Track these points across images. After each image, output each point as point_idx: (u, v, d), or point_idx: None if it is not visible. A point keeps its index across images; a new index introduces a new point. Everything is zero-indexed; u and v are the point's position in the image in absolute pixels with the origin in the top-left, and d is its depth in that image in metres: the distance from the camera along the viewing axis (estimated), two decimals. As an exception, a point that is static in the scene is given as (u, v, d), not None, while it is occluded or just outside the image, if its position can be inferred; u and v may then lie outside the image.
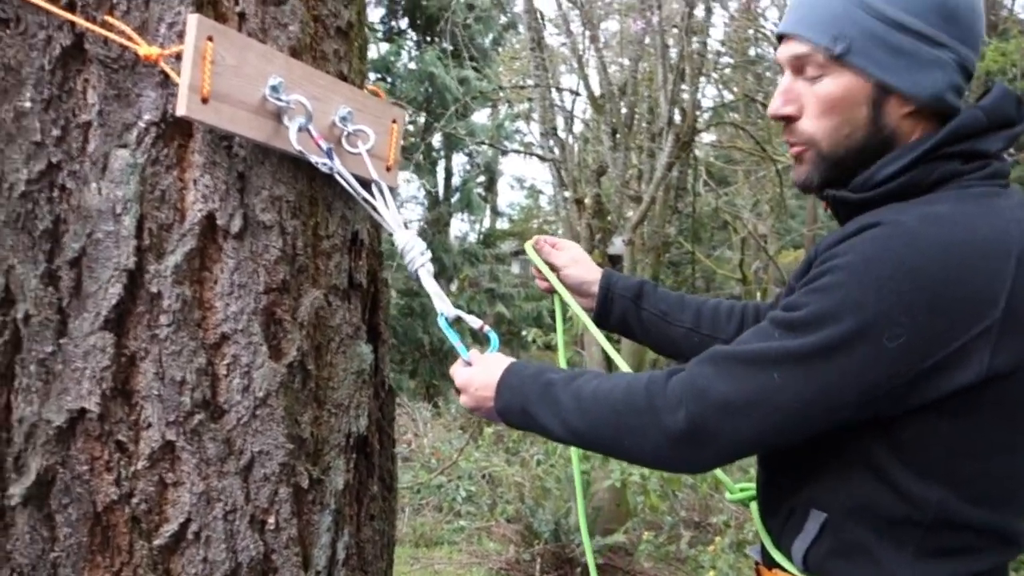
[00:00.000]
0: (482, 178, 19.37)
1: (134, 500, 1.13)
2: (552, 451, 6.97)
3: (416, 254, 1.36)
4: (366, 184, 1.33)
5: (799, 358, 1.06)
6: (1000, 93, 1.15)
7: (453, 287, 15.81)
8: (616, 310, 1.61)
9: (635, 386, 1.17)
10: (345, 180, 1.26)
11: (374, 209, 1.33)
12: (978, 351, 1.02)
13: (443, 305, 1.38)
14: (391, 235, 1.37)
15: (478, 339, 1.50)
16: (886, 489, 1.09)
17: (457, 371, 1.39)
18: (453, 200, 18.10)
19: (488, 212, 21.16)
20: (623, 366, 1.43)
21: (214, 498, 1.16)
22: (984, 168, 1.12)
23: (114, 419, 1.12)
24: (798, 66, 1.18)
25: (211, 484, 1.16)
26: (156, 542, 1.14)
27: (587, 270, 1.64)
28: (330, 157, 1.24)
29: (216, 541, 1.17)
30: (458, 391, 1.39)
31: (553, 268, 1.64)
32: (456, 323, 1.41)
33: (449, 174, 18.58)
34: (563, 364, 1.59)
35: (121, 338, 1.12)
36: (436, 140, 15.48)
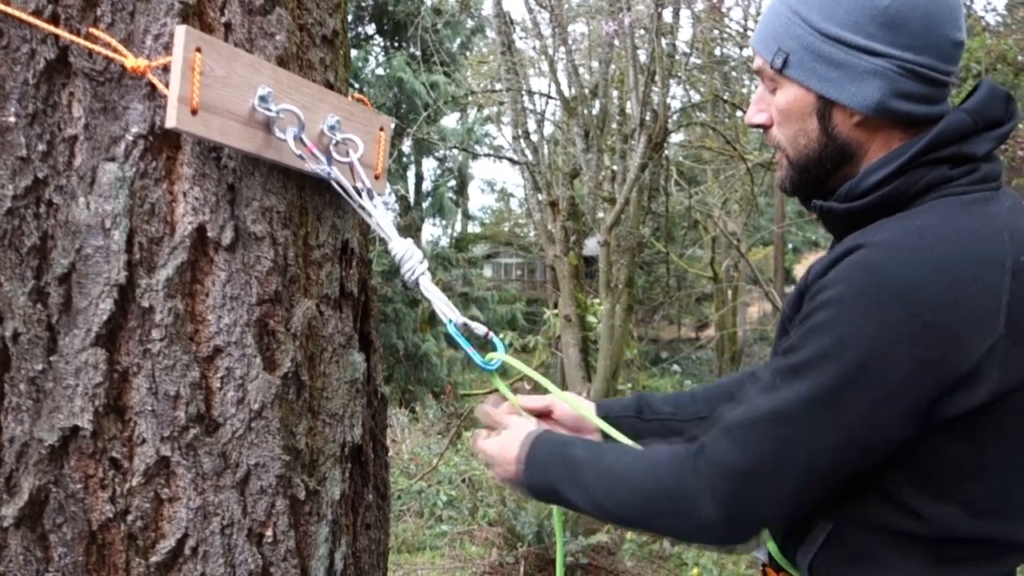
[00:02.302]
0: (453, 182, 19.38)
1: (130, 517, 1.11)
2: (532, 454, 6.96)
3: (415, 262, 1.35)
4: (356, 193, 1.32)
5: (809, 406, 1.03)
6: (986, 92, 1.13)
7: (427, 292, 15.69)
8: (625, 430, 1.50)
9: (660, 466, 1.16)
10: (343, 188, 1.26)
11: (370, 217, 1.32)
12: (988, 370, 1.00)
13: (450, 312, 1.37)
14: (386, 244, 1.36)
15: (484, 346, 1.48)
16: (895, 506, 1.08)
17: (483, 444, 1.38)
18: (424, 205, 18.09)
19: (459, 216, 21.18)
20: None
21: (211, 512, 1.15)
22: (973, 172, 1.10)
23: (107, 436, 1.11)
24: (762, 78, 1.22)
25: (208, 498, 1.15)
26: (153, 559, 1.13)
27: (581, 425, 1.51)
28: (328, 163, 1.23)
29: (214, 556, 1.16)
30: (487, 464, 1.38)
31: (542, 413, 1.54)
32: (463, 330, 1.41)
33: (420, 179, 18.56)
34: None
35: (113, 354, 1.11)
36: (406, 145, 15.46)
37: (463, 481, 7.12)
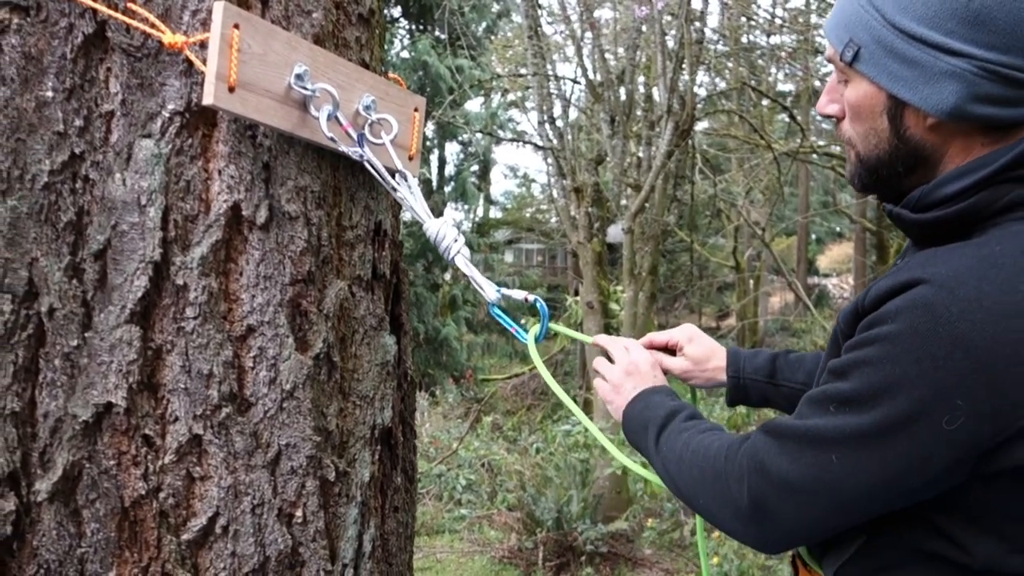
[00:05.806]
0: (476, 167, 19.37)
1: (162, 495, 1.12)
2: (551, 440, 6.98)
3: (450, 241, 1.34)
4: (390, 174, 1.31)
5: (856, 439, 0.98)
6: None
7: (447, 276, 15.85)
8: (753, 395, 1.52)
9: (718, 448, 1.16)
10: (375, 169, 1.25)
11: (403, 199, 1.31)
12: None
13: (488, 290, 1.36)
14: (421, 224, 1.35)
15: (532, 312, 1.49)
16: (937, 534, 1.03)
17: (613, 347, 1.45)
18: (447, 189, 18.07)
19: (482, 201, 21.17)
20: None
21: (242, 492, 1.15)
22: None
23: (141, 413, 1.11)
24: (835, 68, 1.14)
25: (239, 478, 1.15)
26: (184, 536, 1.13)
27: (707, 366, 1.54)
28: (361, 145, 1.22)
29: (244, 535, 1.16)
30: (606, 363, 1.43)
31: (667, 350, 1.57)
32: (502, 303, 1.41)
33: (443, 163, 18.56)
34: None
35: (147, 331, 1.11)
36: (429, 129, 15.45)
37: (483, 466, 7.14)
